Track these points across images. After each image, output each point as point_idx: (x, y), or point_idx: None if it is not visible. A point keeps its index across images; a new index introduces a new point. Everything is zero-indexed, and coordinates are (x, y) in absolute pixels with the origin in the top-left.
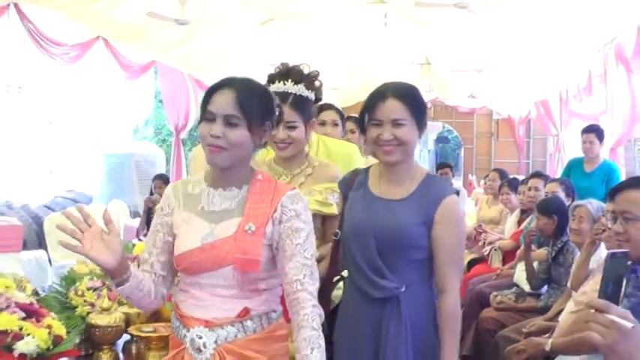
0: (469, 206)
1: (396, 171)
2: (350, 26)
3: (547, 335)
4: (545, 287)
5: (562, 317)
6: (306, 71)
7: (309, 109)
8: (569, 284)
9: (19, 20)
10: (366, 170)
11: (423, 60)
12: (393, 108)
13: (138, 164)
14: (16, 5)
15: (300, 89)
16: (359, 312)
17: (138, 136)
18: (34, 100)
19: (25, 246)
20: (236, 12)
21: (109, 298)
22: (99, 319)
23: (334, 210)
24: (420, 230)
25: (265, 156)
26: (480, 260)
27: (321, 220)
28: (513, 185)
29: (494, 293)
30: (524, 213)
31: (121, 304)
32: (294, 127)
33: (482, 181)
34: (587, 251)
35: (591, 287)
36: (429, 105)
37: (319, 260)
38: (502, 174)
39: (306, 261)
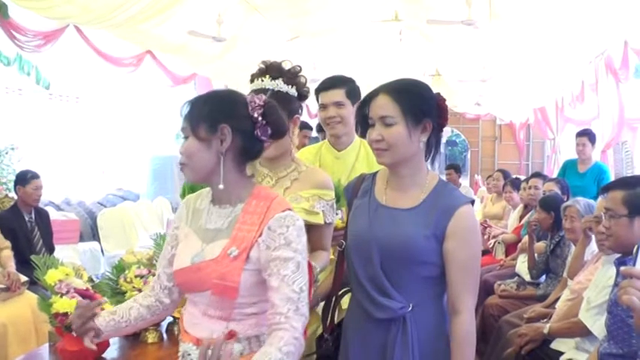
0: (475, 204)
1: (401, 176)
2: (368, 42)
3: (545, 320)
4: (544, 277)
5: (559, 305)
6: (287, 67)
7: (289, 105)
8: (565, 274)
9: (79, 37)
10: (373, 175)
11: (433, 71)
12: (381, 104)
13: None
14: (75, 26)
15: (278, 84)
16: (362, 334)
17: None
18: (90, 108)
19: (81, 238)
20: (266, 30)
21: None
22: None
23: (320, 219)
24: (429, 244)
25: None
26: (485, 252)
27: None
28: (515, 184)
29: (498, 282)
30: (526, 209)
31: None
32: None
33: (486, 181)
34: (582, 245)
35: (585, 277)
36: None
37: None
38: (505, 174)
39: (293, 294)
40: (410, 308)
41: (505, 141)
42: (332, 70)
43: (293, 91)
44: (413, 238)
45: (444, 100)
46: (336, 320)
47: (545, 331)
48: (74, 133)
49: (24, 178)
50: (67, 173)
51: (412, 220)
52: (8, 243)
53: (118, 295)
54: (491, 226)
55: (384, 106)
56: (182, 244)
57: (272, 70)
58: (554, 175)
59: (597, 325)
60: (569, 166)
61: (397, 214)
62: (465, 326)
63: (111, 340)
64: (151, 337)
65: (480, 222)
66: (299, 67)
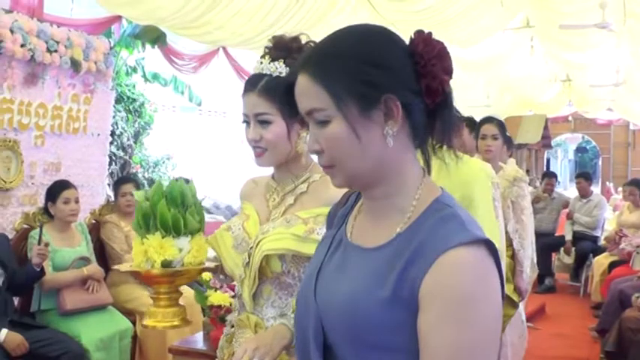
0: (608, 212)
1: (373, 198)
2: (501, 49)
3: None
4: None
5: None
6: (299, 43)
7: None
8: None
9: (226, 59)
10: (358, 194)
11: (564, 77)
12: (298, 94)
13: None
14: (224, 48)
15: (278, 68)
16: None
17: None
18: (236, 122)
19: None
20: None
21: None
22: None
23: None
24: (389, 313)
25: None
26: (622, 262)
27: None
28: None
29: (636, 295)
30: None
31: None
32: (266, 122)
33: (619, 188)
34: None
35: None
36: (569, 118)
37: None
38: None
39: None
40: None
41: (639, 147)
42: (464, 79)
43: None
44: (360, 302)
45: (430, 38)
46: None
47: None
48: (222, 144)
49: None
50: (215, 180)
51: (368, 269)
52: None
53: None
54: (627, 235)
55: (302, 94)
56: None
57: (277, 47)
58: None
59: None
60: None
61: (354, 257)
62: None
63: None
64: None
65: (614, 231)
66: (313, 43)
